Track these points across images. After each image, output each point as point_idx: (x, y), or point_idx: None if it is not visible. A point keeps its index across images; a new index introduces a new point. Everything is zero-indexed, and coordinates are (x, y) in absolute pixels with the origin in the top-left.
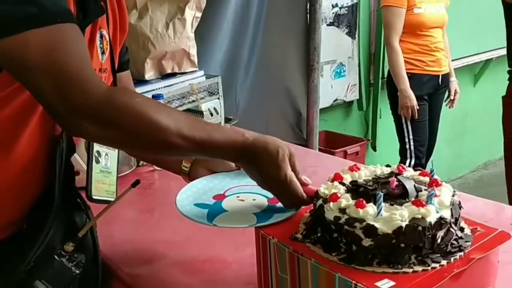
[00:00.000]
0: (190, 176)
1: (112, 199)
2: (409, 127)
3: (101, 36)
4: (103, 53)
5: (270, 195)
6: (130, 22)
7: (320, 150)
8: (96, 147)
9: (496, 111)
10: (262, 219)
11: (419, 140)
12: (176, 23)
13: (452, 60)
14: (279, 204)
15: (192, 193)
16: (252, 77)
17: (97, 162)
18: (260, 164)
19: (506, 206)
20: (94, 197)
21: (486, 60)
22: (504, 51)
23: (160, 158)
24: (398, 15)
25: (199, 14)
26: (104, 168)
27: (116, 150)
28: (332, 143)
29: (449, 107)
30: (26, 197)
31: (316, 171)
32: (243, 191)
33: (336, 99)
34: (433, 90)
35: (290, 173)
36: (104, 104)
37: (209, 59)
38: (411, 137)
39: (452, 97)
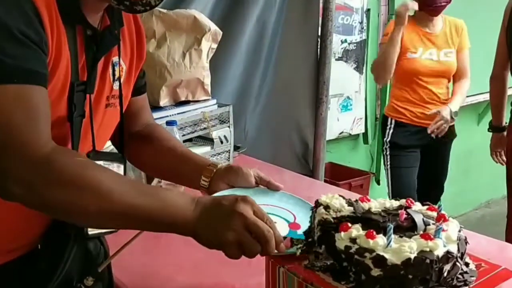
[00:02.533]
0: (209, 191)
1: (109, 230)
2: (389, 171)
3: (115, 64)
4: (117, 80)
5: (291, 218)
6: (149, 50)
7: (325, 181)
8: None
9: None
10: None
11: (397, 189)
12: (192, 53)
13: None
14: (300, 232)
15: None
16: (262, 107)
17: None
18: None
19: (509, 245)
20: (90, 233)
21: None
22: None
23: (178, 172)
24: None
25: (214, 46)
26: None
27: None
28: (337, 175)
29: (433, 135)
30: (42, 222)
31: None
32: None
33: (342, 132)
34: (426, 141)
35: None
36: (40, 169)
37: (221, 88)
38: (389, 181)
39: (434, 123)
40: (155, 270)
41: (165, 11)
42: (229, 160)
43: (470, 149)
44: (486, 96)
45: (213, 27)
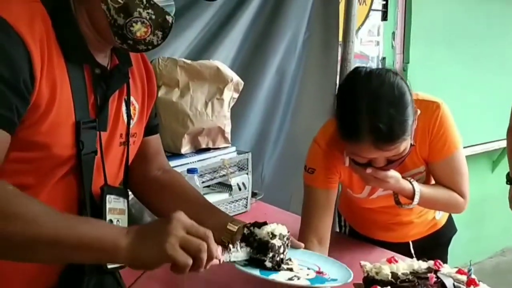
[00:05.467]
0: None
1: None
2: None
3: (128, 102)
4: (131, 118)
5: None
6: (172, 99)
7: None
8: (109, 215)
9: None
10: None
11: None
12: (214, 103)
13: (470, 146)
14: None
15: None
16: (279, 154)
17: None
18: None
19: None
20: (109, 267)
21: (505, 148)
22: None
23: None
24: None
25: (236, 95)
26: None
27: (126, 214)
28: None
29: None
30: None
31: (344, 255)
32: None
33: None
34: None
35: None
36: None
37: (240, 135)
38: None
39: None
40: None
41: (189, 62)
42: (246, 207)
43: (484, 197)
44: (501, 144)
45: (235, 77)
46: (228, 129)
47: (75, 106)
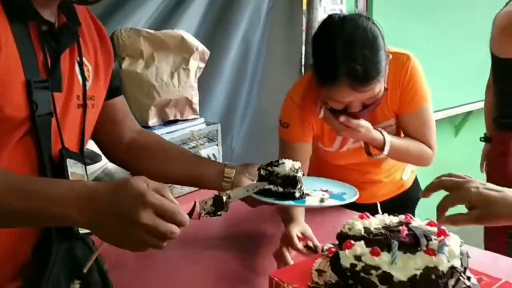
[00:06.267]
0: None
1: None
2: None
3: (81, 63)
4: (86, 80)
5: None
6: (136, 71)
7: None
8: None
9: (476, 161)
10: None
11: None
12: (180, 73)
13: (434, 112)
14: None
15: None
16: (247, 125)
17: None
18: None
19: (501, 256)
20: (81, 232)
21: (467, 112)
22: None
23: (196, 175)
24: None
25: (202, 65)
26: None
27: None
28: None
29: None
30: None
31: (322, 221)
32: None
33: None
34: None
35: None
36: None
37: (209, 106)
38: None
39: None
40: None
41: (152, 31)
42: None
43: (448, 161)
44: (463, 109)
45: (201, 46)
46: (195, 100)
47: (24, 65)
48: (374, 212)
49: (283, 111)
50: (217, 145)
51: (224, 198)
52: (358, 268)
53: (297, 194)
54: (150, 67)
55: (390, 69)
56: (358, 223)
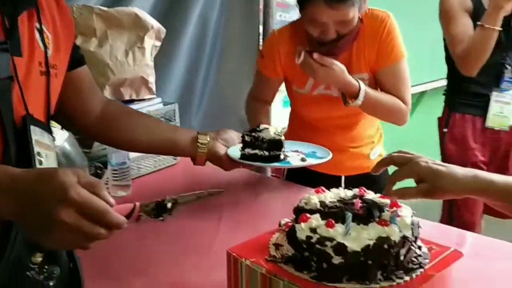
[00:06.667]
0: (209, 154)
1: None
2: None
3: (40, 31)
4: (47, 48)
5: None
6: (90, 49)
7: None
8: (36, 148)
9: (430, 141)
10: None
11: None
12: (135, 52)
13: None
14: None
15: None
16: (206, 105)
17: (40, 164)
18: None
19: (450, 227)
20: None
21: (421, 92)
22: (437, 84)
23: (171, 143)
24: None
25: (158, 43)
26: None
27: (53, 151)
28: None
29: None
30: None
31: (276, 197)
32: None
33: (284, 128)
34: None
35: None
36: None
37: (166, 86)
38: None
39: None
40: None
41: (105, 8)
42: (176, 159)
43: (404, 140)
44: (418, 89)
45: (156, 24)
46: (152, 79)
47: None
48: (337, 186)
49: (264, 42)
50: (175, 125)
51: (169, 204)
52: (313, 240)
53: (282, 156)
54: (103, 45)
55: (369, 24)
56: (314, 197)
